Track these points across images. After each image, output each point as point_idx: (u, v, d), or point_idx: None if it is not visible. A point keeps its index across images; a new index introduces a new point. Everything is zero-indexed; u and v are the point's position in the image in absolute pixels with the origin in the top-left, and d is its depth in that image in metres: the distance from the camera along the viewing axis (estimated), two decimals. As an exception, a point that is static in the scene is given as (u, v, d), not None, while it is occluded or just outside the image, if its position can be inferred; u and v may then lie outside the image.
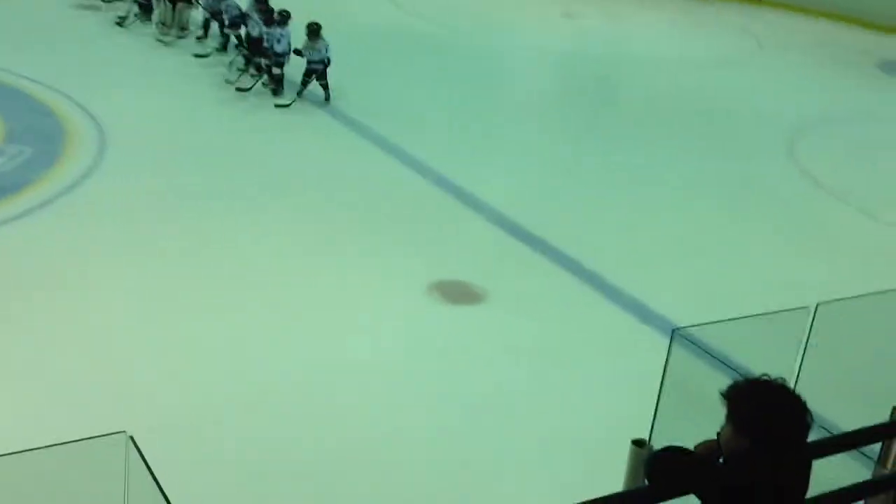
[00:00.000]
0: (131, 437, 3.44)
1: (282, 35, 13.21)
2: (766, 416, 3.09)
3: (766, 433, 3.05)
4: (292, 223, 9.75)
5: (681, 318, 7.24)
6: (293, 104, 12.99)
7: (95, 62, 14.09)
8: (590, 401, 7.18)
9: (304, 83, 13.17)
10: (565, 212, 10.70)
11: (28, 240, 8.97)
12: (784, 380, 3.16)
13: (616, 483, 3.70)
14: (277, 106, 12.99)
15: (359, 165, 11.40)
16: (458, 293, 8.67)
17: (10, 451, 3.16)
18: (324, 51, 13.09)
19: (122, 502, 3.45)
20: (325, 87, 13.27)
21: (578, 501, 2.94)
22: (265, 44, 13.38)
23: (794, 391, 3.13)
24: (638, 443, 3.90)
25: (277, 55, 13.24)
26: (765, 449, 3.05)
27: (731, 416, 3.11)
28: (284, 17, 13.31)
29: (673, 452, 3.27)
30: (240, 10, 14.27)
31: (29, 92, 12.57)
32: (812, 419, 3.10)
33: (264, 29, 13.42)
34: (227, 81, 13.45)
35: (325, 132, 12.48)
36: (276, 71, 13.31)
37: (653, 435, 3.91)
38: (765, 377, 3.17)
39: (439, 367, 7.55)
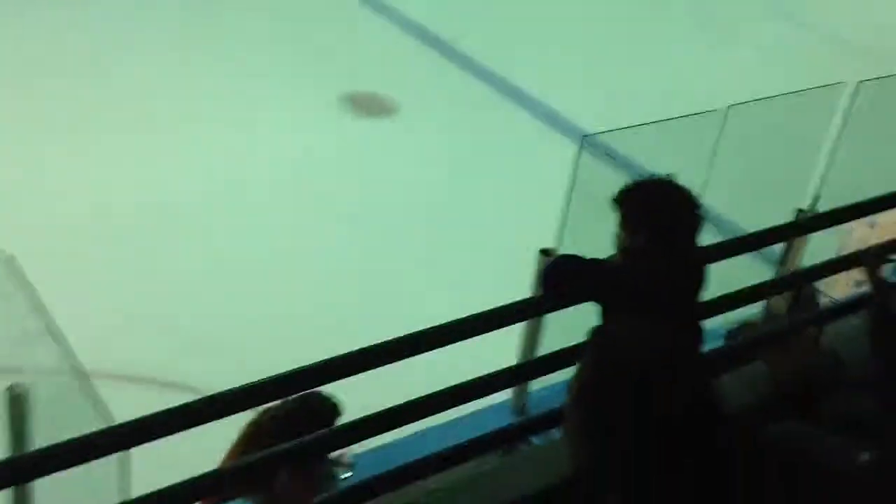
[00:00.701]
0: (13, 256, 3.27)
1: None
2: (653, 208, 3.07)
3: (656, 226, 3.04)
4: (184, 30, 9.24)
5: (592, 126, 7.13)
6: None
7: None
8: (499, 210, 7.21)
9: None
10: (478, 18, 10.39)
11: None
12: (671, 175, 3.12)
13: (524, 291, 3.68)
14: None
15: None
16: (369, 105, 8.47)
17: None
18: None
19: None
20: None
21: (487, 308, 2.93)
22: None
23: (679, 184, 3.09)
24: (546, 252, 3.87)
25: None
26: (658, 244, 3.02)
27: (622, 219, 3.09)
28: None
29: (568, 257, 3.24)
30: None
31: None
32: (701, 211, 3.08)
33: None
34: None
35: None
36: None
37: (561, 244, 3.87)
38: (652, 176, 3.14)
39: (347, 181, 7.42)
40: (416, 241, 6.83)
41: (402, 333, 2.83)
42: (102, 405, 2.62)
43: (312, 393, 2.76)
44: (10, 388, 2.81)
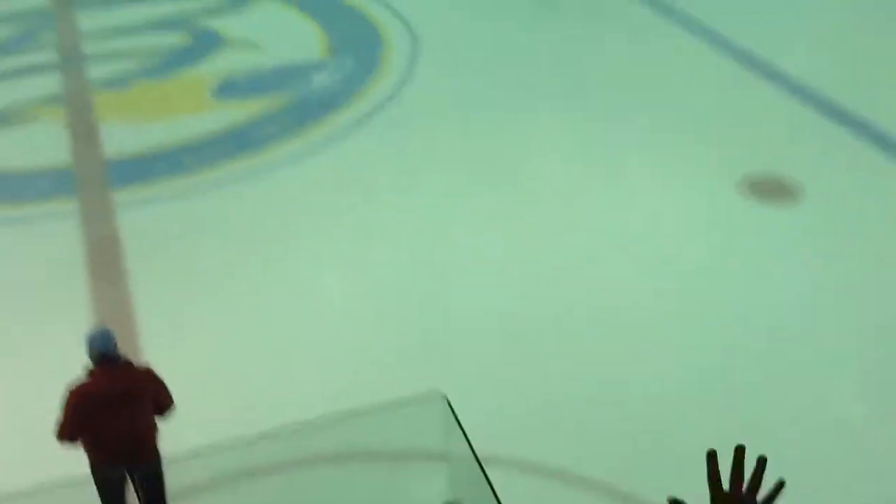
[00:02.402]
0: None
1: None
2: None
3: None
4: (587, 124, 9.71)
5: None
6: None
7: None
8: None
9: None
10: (880, 81, 10.20)
11: (345, 154, 9.34)
12: None
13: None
14: None
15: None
16: (769, 188, 8.45)
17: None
18: None
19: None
20: None
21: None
22: None
23: None
24: None
25: None
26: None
27: None
28: None
29: None
30: None
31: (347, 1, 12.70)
32: None
33: None
34: None
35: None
36: None
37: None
38: None
39: (750, 270, 7.46)
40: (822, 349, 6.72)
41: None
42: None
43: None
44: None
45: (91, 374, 4.90)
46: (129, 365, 4.95)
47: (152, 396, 4.96)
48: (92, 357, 4.84)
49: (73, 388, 4.86)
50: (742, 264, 7.59)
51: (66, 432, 4.87)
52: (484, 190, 8.66)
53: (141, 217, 8.57)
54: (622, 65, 11.13)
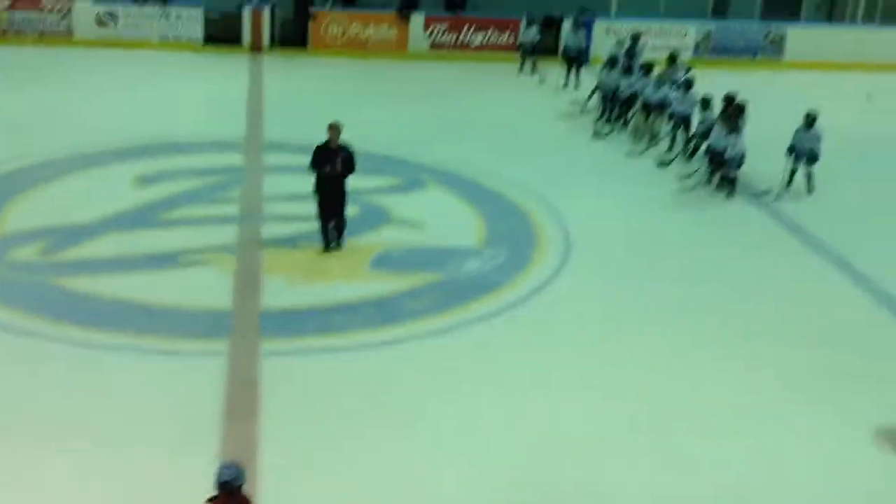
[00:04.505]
0: None
1: (737, 139, 13.94)
2: None
3: None
4: (732, 347, 9.88)
5: None
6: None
7: (567, 167, 15.38)
8: None
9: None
10: None
11: (493, 339, 9.81)
12: None
13: None
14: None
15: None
16: None
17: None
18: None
19: None
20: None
21: None
22: (723, 151, 14.11)
23: None
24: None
25: (733, 159, 13.97)
26: None
27: None
28: (738, 122, 14.15)
29: None
30: (712, 121, 14.84)
31: (509, 196, 13.79)
32: None
33: (726, 137, 14.08)
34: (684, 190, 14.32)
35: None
36: (731, 174, 14.07)
37: None
38: None
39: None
40: None
41: None
42: None
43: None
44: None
45: (211, 501, 5.16)
46: (246, 501, 5.17)
47: None
48: (217, 485, 5.11)
49: None
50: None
51: None
52: (612, 401, 8.72)
53: (284, 366, 9.02)
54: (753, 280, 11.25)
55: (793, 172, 14.42)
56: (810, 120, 14.25)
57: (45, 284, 10.42)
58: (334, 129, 10.98)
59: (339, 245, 11.35)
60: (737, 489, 7.62)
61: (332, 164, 10.89)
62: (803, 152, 14.27)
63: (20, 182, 13.26)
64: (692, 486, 7.60)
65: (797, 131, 14.32)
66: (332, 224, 11.23)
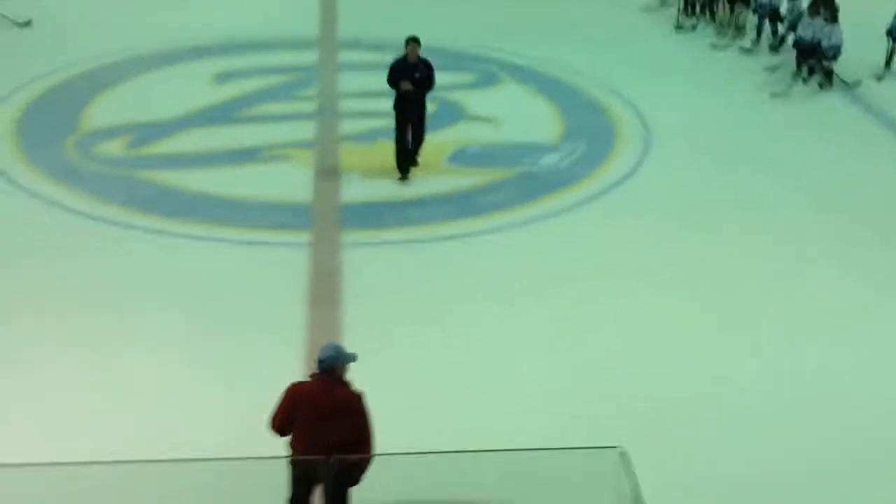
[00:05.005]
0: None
1: (832, 30, 13.46)
2: None
3: None
4: (806, 234, 9.83)
5: None
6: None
7: (648, 61, 15.00)
8: None
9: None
10: None
11: (571, 232, 9.80)
12: None
13: None
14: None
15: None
16: None
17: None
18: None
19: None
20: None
21: None
22: (811, 42, 13.62)
23: None
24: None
25: (829, 49, 13.50)
26: None
27: None
28: (835, 11, 13.62)
29: None
30: (800, 11, 14.42)
31: (586, 90, 13.65)
32: None
33: (819, 27, 13.60)
34: (773, 95, 13.66)
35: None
36: (826, 65, 13.63)
37: None
38: None
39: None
40: None
41: None
42: None
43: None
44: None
45: (311, 377, 5.32)
46: (345, 385, 5.30)
47: (352, 423, 5.29)
48: (319, 365, 5.25)
49: (291, 386, 5.34)
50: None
51: (277, 424, 5.36)
52: (673, 296, 8.66)
53: (364, 256, 9.15)
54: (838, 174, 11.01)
55: (892, 53, 14.22)
56: None
57: (131, 177, 10.68)
58: (413, 43, 10.24)
59: (415, 163, 10.75)
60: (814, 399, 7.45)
61: (412, 79, 10.21)
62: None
63: (103, 79, 13.48)
64: (765, 377, 7.58)
65: None
66: (409, 140, 10.57)
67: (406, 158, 10.62)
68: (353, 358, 5.34)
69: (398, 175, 10.58)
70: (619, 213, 10.21)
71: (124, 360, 7.52)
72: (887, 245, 9.64)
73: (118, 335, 7.81)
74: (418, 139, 10.65)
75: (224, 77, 13.72)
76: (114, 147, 11.40)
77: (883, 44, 14.31)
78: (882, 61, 14.30)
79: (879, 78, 14.14)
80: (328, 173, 10.98)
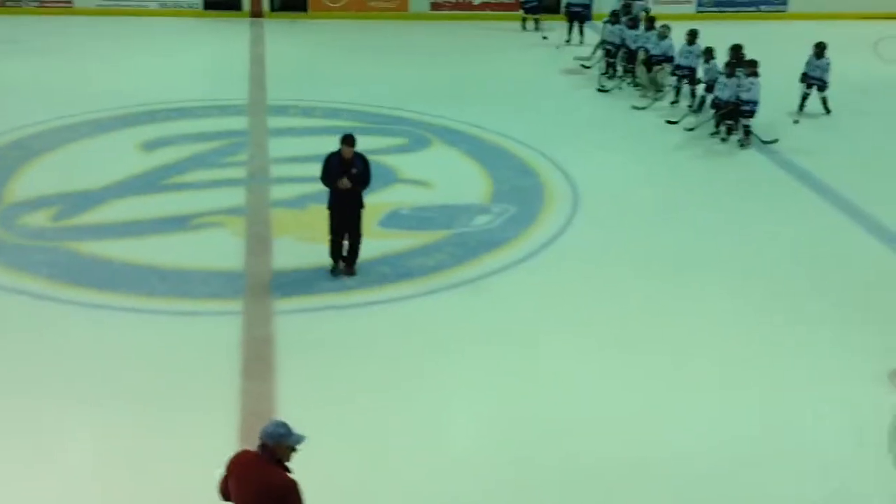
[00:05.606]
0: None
1: (751, 85, 13.88)
2: None
3: None
4: (734, 290, 9.96)
5: None
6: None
7: (573, 122, 15.44)
8: None
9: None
10: None
11: (505, 292, 9.87)
12: None
13: None
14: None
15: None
16: None
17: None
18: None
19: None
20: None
21: None
22: (728, 101, 14.15)
23: None
24: None
25: (747, 104, 13.97)
26: None
27: None
28: (753, 66, 14.02)
29: None
30: (717, 73, 14.77)
31: (514, 152, 13.81)
32: None
33: (736, 84, 14.06)
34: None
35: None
36: (744, 123, 14.11)
37: None
38: None
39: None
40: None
41: None
42: None
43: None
44: None
45: (258, 449, 5.19)
46: (281, 469, 5.10)
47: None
48: (259, 440, 5.14)
49: (236, 454, 5.36)
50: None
51: (220, 488, 5.37)
52: (613, 352, 8.75)
53: (297, 324, 9.08)
54: (773, 238, 11.27)
55: (805, 97, 15.46)
56: (820, 49, 15.18)
57: (58, 250, 10.48)
58: (348, 140, 9.53)
59: (351, 270, 9.97)
60: (750, 441, 7.64)
61: (349, 176, 9.54)
62: (815, 79, 15.29)
63: (27, 150, 13.28)
64: (707, 439, 7.66)
65: (808, 61, 15.33)
66: (345, 240, 9.89)
67: (341, 257, 10.01)
68: (299, 440, 5.15)
69: (331, 266, 10.02)
70: (549, 272, 10.33)
71: (52, 437, 7.31)
72: (813, 293, 9.92)
73: (45, 413, 7.60)
74: (355, 244, 9.93)
75: (152, 144, 13.63)
76: (39, 218, 11.19)
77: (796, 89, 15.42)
78: (795, 106, 15.48)
79: (795, 121, 15.17)
80: (259, 240, 10.92)
